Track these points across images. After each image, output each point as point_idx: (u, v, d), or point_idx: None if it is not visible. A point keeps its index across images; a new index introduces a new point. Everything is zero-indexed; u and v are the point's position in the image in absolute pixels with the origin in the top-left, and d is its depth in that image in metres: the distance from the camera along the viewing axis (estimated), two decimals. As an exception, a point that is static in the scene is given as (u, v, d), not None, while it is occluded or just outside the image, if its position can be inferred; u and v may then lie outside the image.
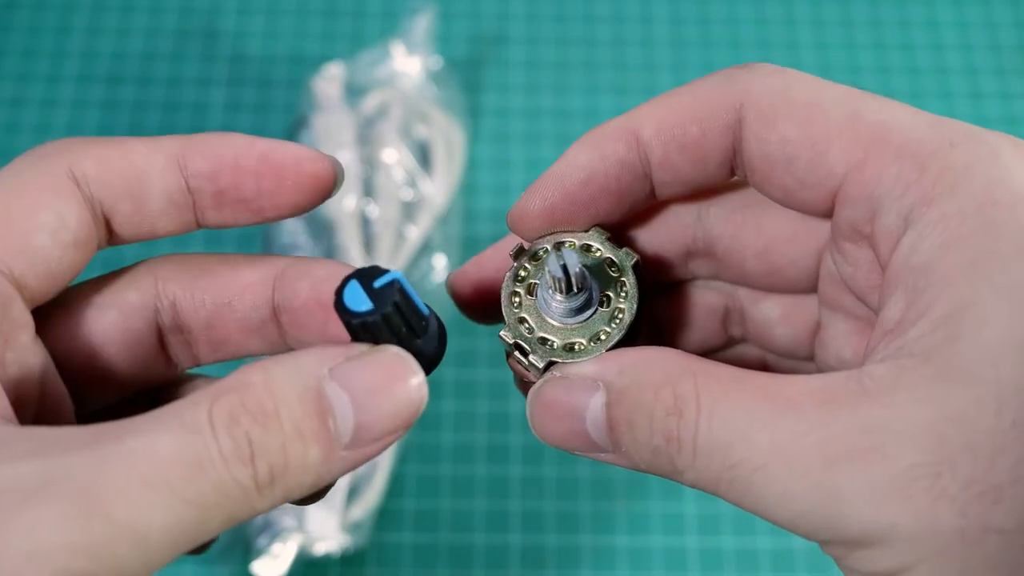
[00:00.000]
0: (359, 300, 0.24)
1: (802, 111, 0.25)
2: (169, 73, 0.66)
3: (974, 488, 0.20)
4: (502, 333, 0.27)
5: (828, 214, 0.26)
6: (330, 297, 0.24)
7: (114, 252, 0.28)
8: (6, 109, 0.64)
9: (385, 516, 0.53)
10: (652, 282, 0.29)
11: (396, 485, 0.54)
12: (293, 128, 0.61)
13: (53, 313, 0.27)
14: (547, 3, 0.68)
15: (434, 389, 0.61)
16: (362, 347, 0.24)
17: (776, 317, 0.30)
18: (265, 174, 0.27)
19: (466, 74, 0.65)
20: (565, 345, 0.27)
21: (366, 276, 0.24)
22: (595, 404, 0.24)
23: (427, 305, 0.25)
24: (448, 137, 0.61)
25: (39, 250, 0.25)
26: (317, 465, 0.22)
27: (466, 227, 0.61)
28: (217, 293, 0.28)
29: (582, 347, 0.27)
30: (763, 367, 0.32)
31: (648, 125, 0.26)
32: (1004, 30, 0.67)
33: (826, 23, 0.67)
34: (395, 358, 0.24)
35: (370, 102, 0.61)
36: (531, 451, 0.55)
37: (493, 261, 0.29)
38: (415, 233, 0.59)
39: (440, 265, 0.59)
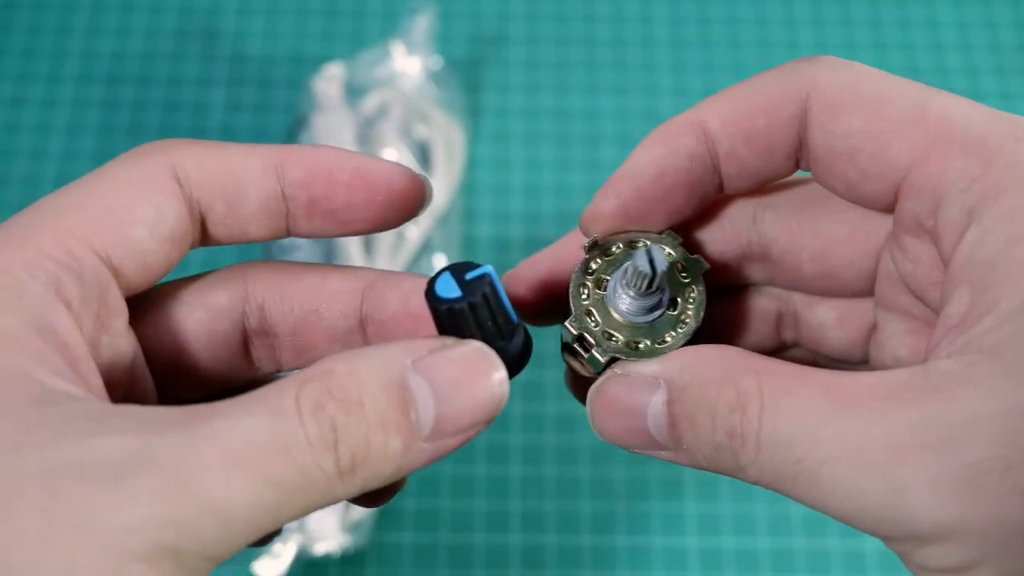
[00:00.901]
0: (449, 288, 0.24)
1: (868, 103, 0.25)
2: (169, 73, 0.65)
3: None
4: (568, 323, 0.27)
5: (890, 208, 0.26)
6: (419, 308, 0.24)
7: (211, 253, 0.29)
8: (6, 109, 0.64)
9: (385, 516, 0.53)
10: (709, 287, 0.29)
11: (396, 485, 0.54)
12: (293, 128, 0.61)
13: (144, 306, 0.28)
14: (547, 3, 0.68)
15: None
16: (447, 340, 0.24)
17: (831, 321, 0.30)
18: (357, 188, 0.27)
19: (466, 74, 0.65)
20: (628, 343, 0.27)
21: (459, 268, 0.25)
22: (656, 401, 0.25)
23: (516, 313, 0.26)
24: (448, 137, 0.61)
25: (136, 242, 0.26)
26: (398, 456, 0.22)
27: (466, 227, 0.61)
28: (306, 300, 0.29)
29: (646, 347, 0.27)
30: None
31: (714, 118, 0.27)
32: (1004, 30, 0.67)
33: (826, 23, 0.67)
34: (478, 352, 0.24)
35: (370, 102, 0.61)
36: (531, 451, 0.55)
37: (547, 262, 0.29)
38: (415, 233, 0.59)
39: (440, 265, 0.59)
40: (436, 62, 0.63)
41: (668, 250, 0.28)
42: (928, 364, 0.22)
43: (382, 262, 0.57)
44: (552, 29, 0.67)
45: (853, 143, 0.25)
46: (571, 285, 0.28)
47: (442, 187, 0.60)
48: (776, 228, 0.29)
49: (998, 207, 0.22)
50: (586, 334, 0.27)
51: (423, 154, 0.61)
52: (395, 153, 0.60)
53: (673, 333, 0.27)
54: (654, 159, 0.27)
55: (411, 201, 0.28)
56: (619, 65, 0.66)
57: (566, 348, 0.28)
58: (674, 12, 0.68)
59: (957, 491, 0.20)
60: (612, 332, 0.27)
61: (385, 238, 0.58)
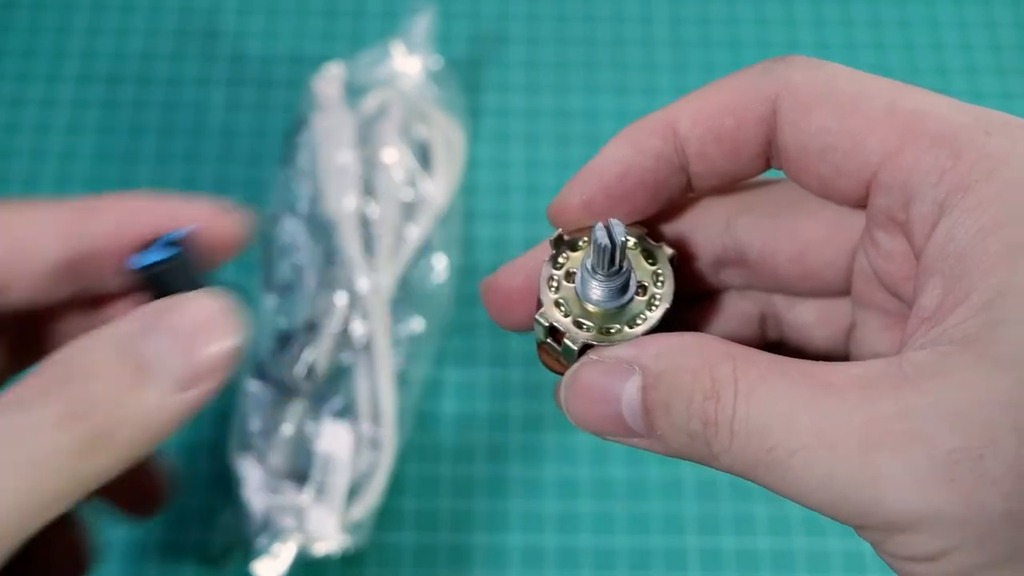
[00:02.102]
0: (147, 257, 0.27)
1: (841, 101, 0.25)
2: (169, 73, 0.65)
3: (1019, 469, 0.20)
4: (538, 316, 0.27)
5: (863, 203, 0.26)
6: (133, 238, 0.27)
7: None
8: (6, 109, 0.64)
9: (385, 516, 0.53)
10: (685, 293, 0.29)
11: (396, 485, 0.54)
12: (293, 128, 0.61)
13: None
14: (547, 3, 0.68)
15: (434, 389, 0.60)
16: (168, 301, 0.26)
17: (812, 321, 0.30)
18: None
19: (466, 74, 0.65)
20: (601, 329, 0.27)
21: (159, 239, 0.28)
22: (631, 387, 0.24)
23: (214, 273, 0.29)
24: (448, 137, 0.61)
25: None
26: (153, 414, 0.24)
27: (466, 227, 0.61)
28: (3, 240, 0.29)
29: (618, 331, 0.27)
30: None
31: (684, 118, 0.27)
32: (1004, 30, 0.67)
33: (826, 23, 0.67)
34: (204, 299, 0.26)
35: (370, 102, 0.61)
36: (531, 451, 0.55)
37: (524, 268, 0.29)
38: (415, 233, 0.59)
39: (440, 265, 0.59)
40: (436, 62, 0.63)
41: (634, 240, 0.28)
42: (903, 355, 0.22)
43: (382, 263, 0.57)
44: (552, 29, 0.67)
45: (827, 140, 0.25)
46: (540, 278, 0.28)
47: (442, 187, 0.60)
48: (751, 232, 0.29)
49: (968, 199, 0.23)
50: (557, 324, 0.27)
51: (423, 154, 0.61)
52: (395, 153, 0.60)
53: (645, 313, 0.27)
54: (620, 158, 0.27)
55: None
56: (619, 65, 0.66)
57: (539, 347, 0.28)
58: (674, 12, 0.68)
59: (931, 481, 0.21)
60: (584, 320, 0.27)
61: (385, 239, 0.58)
